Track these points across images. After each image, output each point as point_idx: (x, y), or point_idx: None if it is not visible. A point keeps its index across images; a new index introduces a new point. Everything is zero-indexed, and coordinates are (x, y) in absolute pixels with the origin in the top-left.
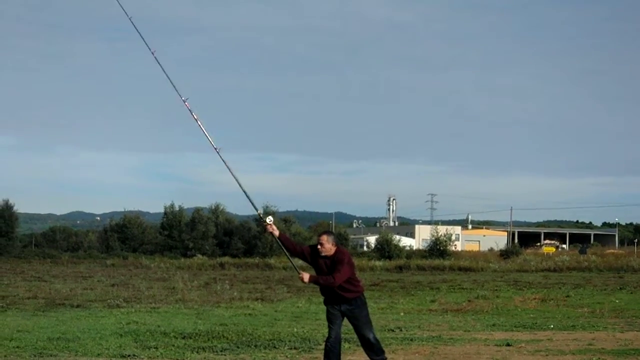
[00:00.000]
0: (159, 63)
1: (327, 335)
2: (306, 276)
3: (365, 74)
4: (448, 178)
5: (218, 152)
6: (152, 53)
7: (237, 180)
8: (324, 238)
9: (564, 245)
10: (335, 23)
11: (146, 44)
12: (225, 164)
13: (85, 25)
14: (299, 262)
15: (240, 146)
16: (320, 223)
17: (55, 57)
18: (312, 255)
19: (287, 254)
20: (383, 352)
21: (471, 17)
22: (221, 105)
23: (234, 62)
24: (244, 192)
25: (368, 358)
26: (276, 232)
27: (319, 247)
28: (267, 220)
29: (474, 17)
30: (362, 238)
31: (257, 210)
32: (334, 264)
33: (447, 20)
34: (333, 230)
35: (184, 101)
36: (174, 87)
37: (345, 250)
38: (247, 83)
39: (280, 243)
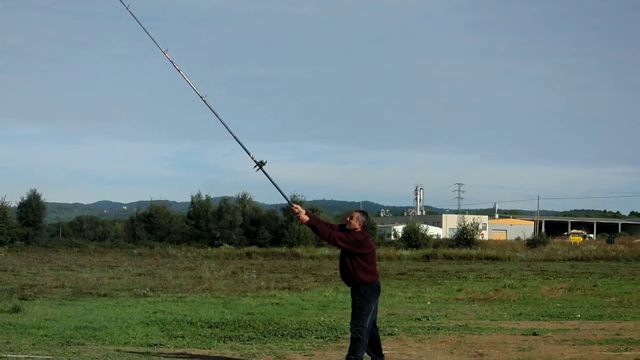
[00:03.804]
0: (173, 64)
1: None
2: (304, 216)
3: (393, 63)
4: (475, 167)
5: (205, 101)
6: (164, 53)
7: (228, 128)
8: (356, 214)
9: (591, 235)
10: (364, 12)
11: (157, 45)
12: (215, 113)
13: (114, 14)
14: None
15: (269, 135)
16: (348, 212)
17: (83, 46)
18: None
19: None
20: (354, 351)
21: (501, 7)
22: (251, 94)
23: (264, 51)
24: (239, 142)
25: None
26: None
27: (347, 219)
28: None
29: (504, 6)
30: (390, 227)
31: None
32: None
33: (477, 10)
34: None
35: (164, 52)
36: (153, 39)
37: (365, 236)
38: (276, 73)
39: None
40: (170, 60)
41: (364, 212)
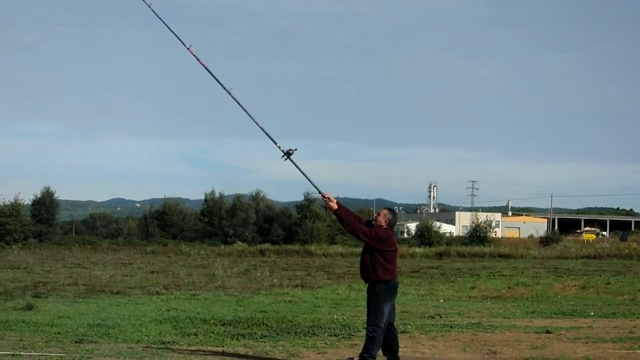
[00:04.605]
0: (196, 58)
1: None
2: (335, 205)
3: (407, 60)
4: (489, 165)
5: (230, 93)
6: (188, 47)
7: (256, 121)
8: (384, 211)
9: (604, 232)
10: (377, 9)
11: (180, 40)
12: (241, 106)
13: (130, 12)
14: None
15: (282, 132)
16: (361, 210)
17: (97, 43)
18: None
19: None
20: (368, 349)
21: (514, 3)
22: (263, 91)
23: (276, 48)
24: (267, 134)
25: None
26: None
27: (375, 214)
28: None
29: (518, 3)
30: (403, 225)
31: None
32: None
33: (491, 6)
34: (372, 215)
35: (188, 48)
36: (176, 35)
37: (389, 234)
38: (289, 69)
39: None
40: (195, 55)
41: (392, 210)
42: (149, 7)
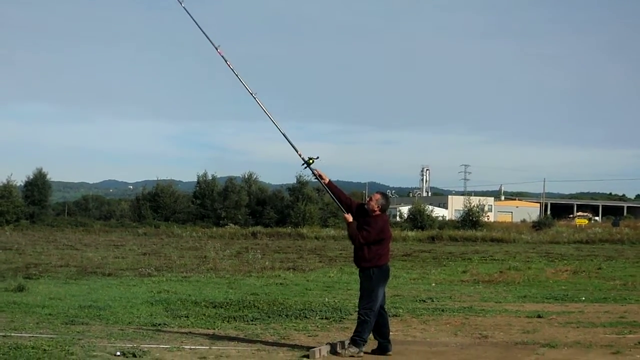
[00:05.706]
0: (225, 60)
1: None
2: (350, 217)
3: (402, 42)
4: (482, 149)
5: (255, 97)
6: (216, 48)
7: (278, 127)
8: (376, 196)
9: (596, 217)
10: None
11: (210, 41)
12: (264, 109)
13: None
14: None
15: (277, 115)
16: (354, 193)
17: (93, 23)
18: (357, 212)
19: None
20: (359, 333)
21: None
22: (258, 73)
23: (273, 29)
24: (288, 140)
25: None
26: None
27: (367, 200)
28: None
29: None
30: (395, 208)
31: (297, 151)
32: (367, 224)
33: None
34: (365, 199)
35: (216, 48)
36: (206, 36)
37: (385, 220)
38: (280, 51)
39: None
40: (222, 56)
41: (384, 195)
42: (181, 4)
